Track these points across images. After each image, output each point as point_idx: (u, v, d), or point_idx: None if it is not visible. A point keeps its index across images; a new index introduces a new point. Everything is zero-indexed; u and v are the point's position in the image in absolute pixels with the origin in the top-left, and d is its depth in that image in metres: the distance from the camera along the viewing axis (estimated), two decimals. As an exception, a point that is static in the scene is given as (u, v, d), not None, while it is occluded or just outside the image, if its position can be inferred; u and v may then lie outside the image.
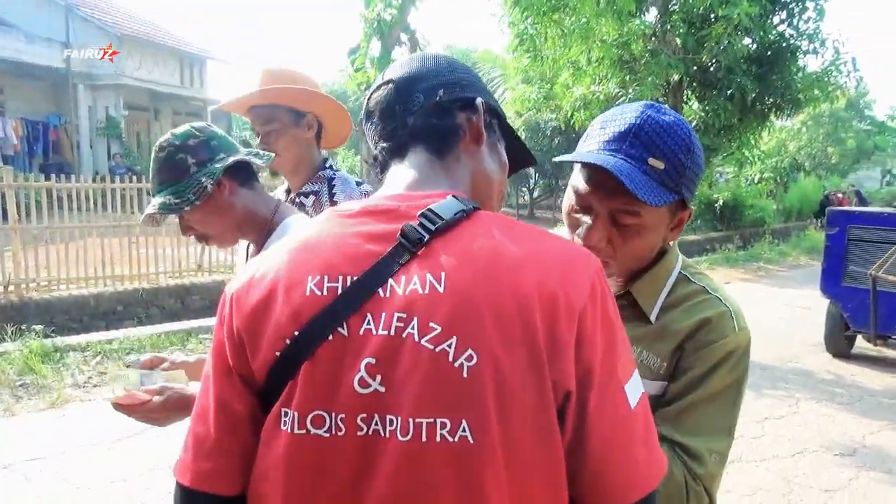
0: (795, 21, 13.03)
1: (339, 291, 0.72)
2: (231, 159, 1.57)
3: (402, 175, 0.86)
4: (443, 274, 0.72)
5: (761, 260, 13.77)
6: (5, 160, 15.88)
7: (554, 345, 0.70)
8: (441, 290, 0.71)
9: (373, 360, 0.70)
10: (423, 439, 0.68)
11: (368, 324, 0.71)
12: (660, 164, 1.05)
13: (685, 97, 14.46)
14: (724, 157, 15.41)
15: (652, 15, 12.83)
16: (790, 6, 12.91)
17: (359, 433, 0.69)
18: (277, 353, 0.72)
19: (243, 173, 1.61)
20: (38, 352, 5.31)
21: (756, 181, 19.96)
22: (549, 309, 0.71)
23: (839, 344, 6.55)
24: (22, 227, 6.87)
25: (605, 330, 0.73)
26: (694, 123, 13.50)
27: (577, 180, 1.12)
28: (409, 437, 0.68)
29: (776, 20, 13.13)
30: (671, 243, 1.21)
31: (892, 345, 6.53)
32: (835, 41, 12.91)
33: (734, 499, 3.60)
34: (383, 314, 0.71)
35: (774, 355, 6.49)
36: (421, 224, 0.75)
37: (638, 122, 1.07)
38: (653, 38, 12.25)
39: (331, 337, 0.71)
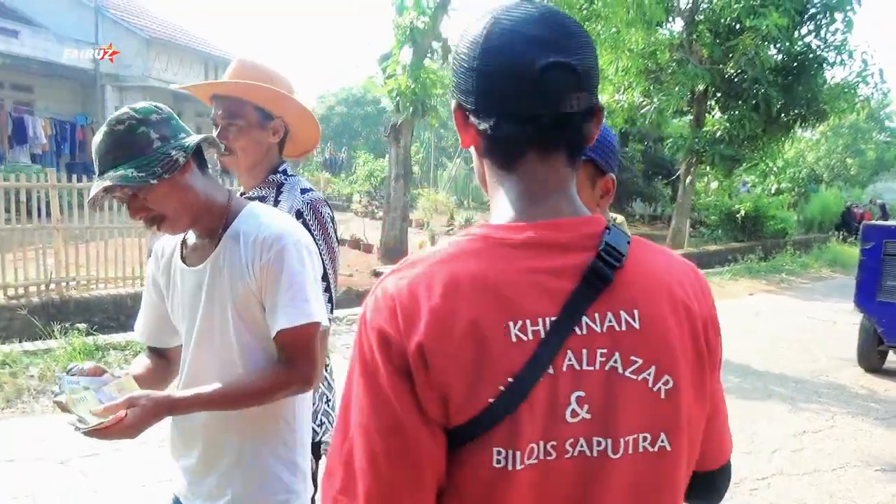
0: (823, 32, 13.03)
1: (542, 335, 0.75)
2: (197, 138, 1.52)
3: (548, 186, 0.83)
4: (636, 311, 0.78)
5: (783, 271, 13.72)
6: (33, 159, 16.16)
7: (711, 358, 0.85)
8: (637, 325, 0.78)
9: (582, 394, 0.75)
10: (630, 452, 0.77)
11: (570, 360, 0.75)
12: None
13: (709, 107, 14.52)
14: (746, 168, 15.44)
15: (679, 25, 12.89)
16: (818, 18, 12.92)
17: (570, 456, 0.75)
18: (491, 400, 0.73)
19: (200, 158, 1.55)
20: (82, 349, 5.42)
21: (773, 192, 19.89)
22: (707, 326, 0.84)
23: (872, 358, 6.54)
24: (64, 227, 7.01)
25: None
26: (718, 133, 13.54)
27: None
28: (619, 454, 0.76)
29: (804, 31, 13.13)
30: (616, 223, 1.34)
31: (925, 360, 6.53)
32: (863, 52, 12.90)
33: (779, 512, 3.63)
34: (584, 350, 0.76)
35: (806, 369, 6.50)
36: (605, 261, 0.78)
37: None
38: (679, 48, 12.31)
39: (541, 378, 0.74)
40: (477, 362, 0.74)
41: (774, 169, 16.72)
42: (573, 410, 0.75)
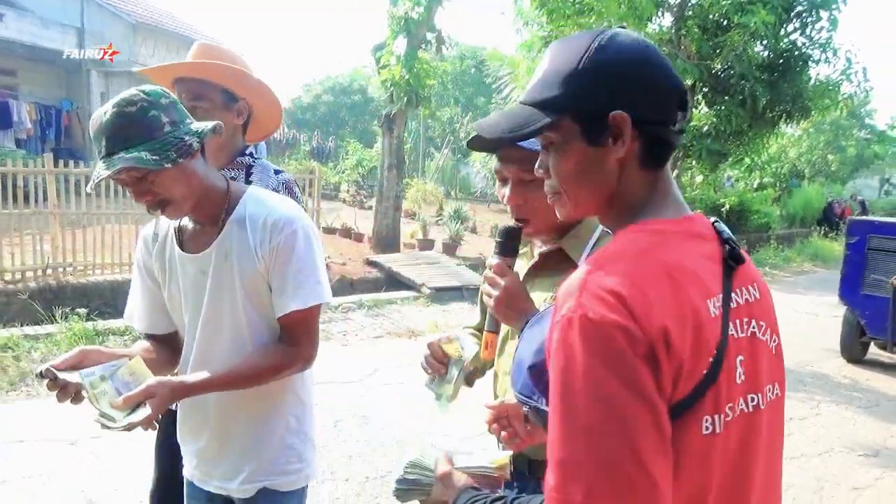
0: (809, 30, 13.19)
1: (721, 310, 0.89)
2: (209, 125, 1.52)
3: (674, 186, 1.01)
4: (755, 283, 0.99)
5: (767, 265, 13.99)
6: (18, 144, 15.96)
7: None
8: (758, 295, 0.98)
9: (742, 358, 0.91)
10: (766, 401, 0.96)
11: (733, 329, 0.91)
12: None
13: (696, 102, 14.68)
14: (732, 163, 15.65)
15: (668, 20, 13.00)
16: (804, 15, 13.08)
17: (738, 414, 0.90)
18: (705, 371, 0.84)
19: (202, 145, 1.54)
20: (82, 334, 5.45)
21: (755, 187, 20.17)
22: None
23: (854, 349, 6.75)
24: (60, 212, 6.99)
25: None
26: (705, 128, 13.70)
27: (495, 162, 1.47)
28: (764, 406, 0.95)
29: (790, 28, 13.31)
30: None
31: (904, 351, 6.75)
32: (847, 51, 13.11)
33: (769, 493, 3.78)
34: (737, 320, 0.92)
35: (790, 360, 6.65)
36: (732, 247, 0.97)
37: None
38: (668, 43, 12.43)
39: (728, 347, 0.89)
40: (697, 338, 0.84)
41: (759, 164, 16.96)
42: (739, 373, 0.90)
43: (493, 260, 1.44)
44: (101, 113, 1.43)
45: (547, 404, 0.94)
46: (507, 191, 1.45)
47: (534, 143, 1.23)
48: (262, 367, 1.58)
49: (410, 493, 1.22)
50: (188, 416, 1.72)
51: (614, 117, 0.93)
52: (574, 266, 1.41)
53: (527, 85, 1.02)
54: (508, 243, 1.45)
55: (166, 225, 1.67)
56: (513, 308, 1.39)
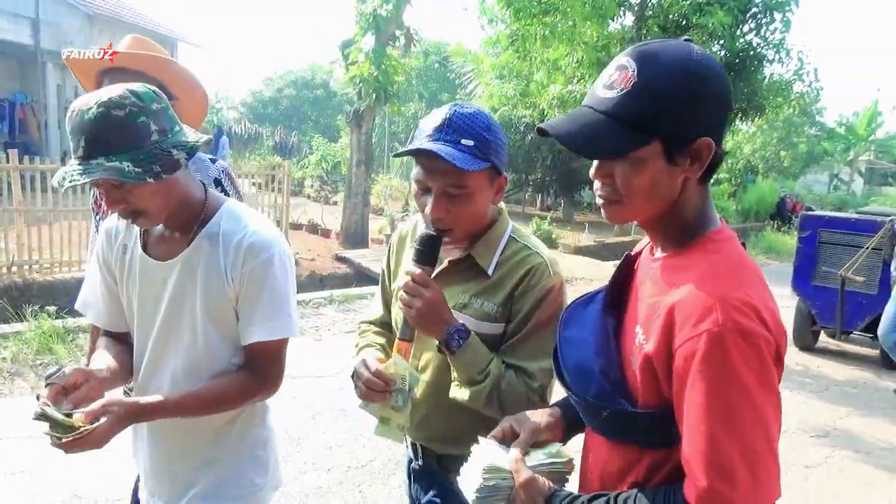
0: (763, 31, 13.66)
1: None
2: (199, 139, 1.43)
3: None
4: None
5: (723, 258, 14.44)
6: (-30, 137, 15.52)
7: None
8: None
9: None
10: None
11: None
12: (469, 142, 1.39)
13: (656, 99, 15.08)
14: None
15: (630, 20, 13.31)
16: (759, 16, 13.53)
17: None
18: (782, 350, 0.98)
19: None
20: (51, 332, 5.42)
21: (713, 182, 20.75)
22: None
23: (806, 338, 7.10)
24: (26, 209, 6.89)
25: None
26: (664, 125, 14.11)
27: (416, 171, 1.45)
28: None
29: (745, 29, 13.75)
30: (502, 213, 1.60)
31: (852, 340, 7.12)
32: (799, 52, 13.63)
33: (729, 473, 4.01)
34: None
35: (747, 347, 7.00)
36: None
37: (448, 115, 1.41)
38: (630, 42, 12.74)
39: None
40: (783, 330, 0.99)
41: (716, 160, 17.50)
42: None
43: (412, 269, 1.43)
44: (83, 107, 1.31)
45: (630, 405, 1.05)
46: (429, 201, 1.42)
47: (465, 162, 1.35)
48: (221, 396, 1.50)
49: (490, 500, 1.15)
50: (139, 433, 1.64)
51: (700, 143, 0.99)
52: (482, 273, 1.48)
53: (599, 85, 1.03)
54: (429, 252, 1.44)
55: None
56: (433, 319, 1.40)
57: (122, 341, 1.64)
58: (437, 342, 1.46)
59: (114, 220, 1.60)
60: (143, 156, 1.32)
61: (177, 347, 1.53)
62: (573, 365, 1.15)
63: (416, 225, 1.67)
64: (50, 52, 16.99)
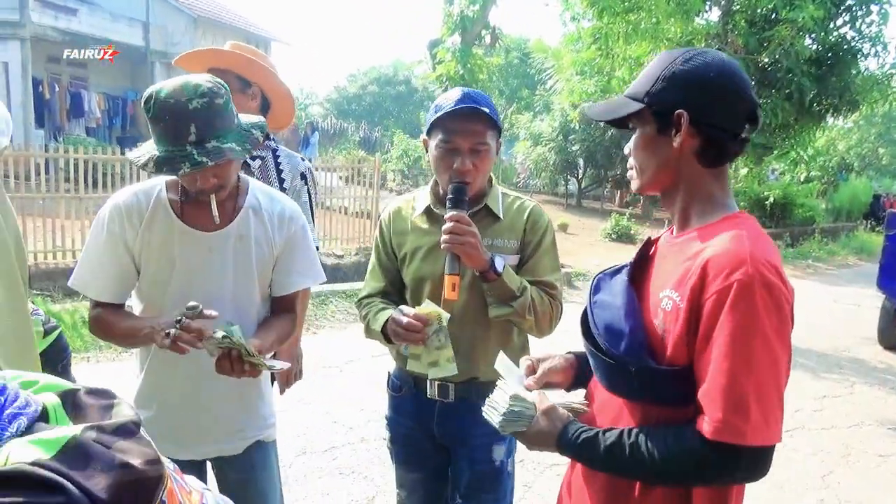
0: (858, 24, 13.19)
1: None
2: (263, 120, 1.71)
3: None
4: None
5: (810, 258, 14.08)
6: (88, 132, 16.95)
7: None
8: None
9: None
10: None
11: None
12: (486, 109, 1.72)
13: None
14: (777, 156, 15.70)
15: (715, 15, 13.14)
16: (853, 9, 13.07)
17: None
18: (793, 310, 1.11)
19: None
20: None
21: (803, 180, 20.04)
22: None
23: (891, 336, 7.01)
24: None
25: None
26: (750, 122, 13.80)
27: (441, 137, 1.74)
28: None
29: (839, 22, 13.30)
30: (491, 177, 1.90)
31: (940, 341, 6.98)
32: (897, 45, 13.06)
33: (800, 457, 4.17)
34: None
35: (829, 345, 6.98)
36: None
37: (464, 92, 1.77)
38: (716, 38, 12.60)
39: None
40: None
41: (805, 157, 16.91)
42: None
43: (453, 213, 1.69)
44: (180, 97, 1.49)
45: (656, 363, 1.14)
46: (455, 160, 1.73)
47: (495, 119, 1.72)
48: (287, 332, 1.84)
49: (513, 424, 1.28)
50: (181, 391, 1.76)
51: (677, 115, 1.16)
52: (496, 218, 1.84)
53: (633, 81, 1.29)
54: (463, 199, 1.73)
55: (152, 197, 1.70)
56: (479, 251, 1.67)
57: (113, 309, 1.73)
58: (480, 272, 1.72)
59: (132, 196, 1.70)
60: (238, 136, 1.57)
61: (225, 306, 1.68)
62: (604, 325, 1.24)
63: (416, 198, 1.96)
64: (158, 52, 18.32)
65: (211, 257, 1.69)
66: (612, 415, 1.25)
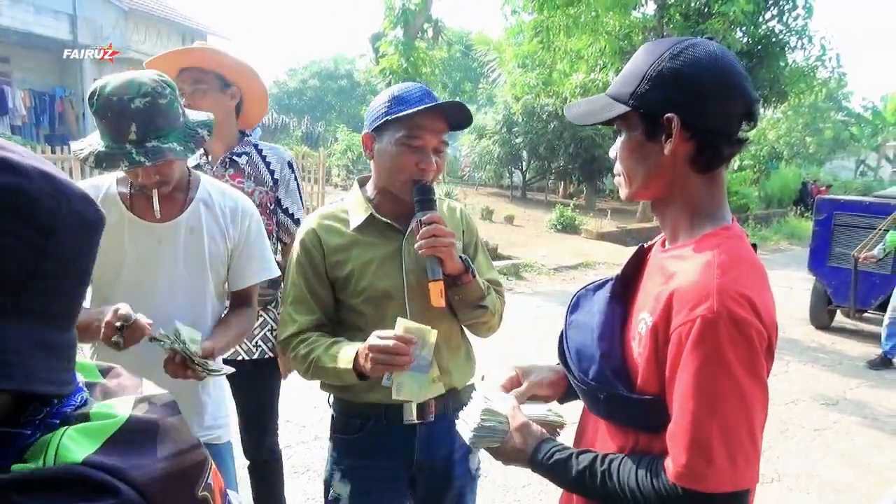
0: (785, 17, 13.76)
1: None
2: (210, 116, 1.69)
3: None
4: None
5: (745, 243, 14.62)
6: (13, 130, 16.15)
7: None
8: None
9: None
10: None
11: None
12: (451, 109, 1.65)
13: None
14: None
15: (651, 8, 13.48)
16: (781, 3, 13.62)
17: None
18: (773, 344, 1.02)
19: None
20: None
21: (736, 169, 20.78)
22: None
23: (822, 317, 7.37)
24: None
25: None
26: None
27: (413, 128, 1.59)
28: None
29: (767, 16, 13.84)
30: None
31: (867, 319, 7.38)
32: (822, 38, 13.72)
33: (741, 434, 4.34)
34: None
35: (764, 326, 7.28)
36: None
37: (423, 87, 1.68)
38: (652, 31, 12.92)
39: None
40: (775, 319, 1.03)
41: (738, 147, 17.55)
42: None
43: (429, 215, 1.59)
44: (123, 94, 1.49)
45: (626, 390, 1.08)
46: (426, 157, 1.61)
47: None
48: (245, 328, 1.84)
49: (484, 440, 1.23)
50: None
51: (668, 118, 1.05)
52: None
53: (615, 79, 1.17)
54: (432, 198, 1.64)
55: (102, 190, 1.69)
56: (455, 251, 1.60)
57: None
58: (456, 275, 1.62)
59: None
60: (182, 135, 1.57)
61: (177, 300, 1.70)
62: (575, 348, 1.18)
63: (346, 210, 1.73)
64: (87, 46, 17.59)
65: (161, 248, 1.69)
66: (599, 436, 1.20)
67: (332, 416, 1.78)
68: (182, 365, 1.52)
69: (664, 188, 1.12)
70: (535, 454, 1.16)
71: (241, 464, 3.45)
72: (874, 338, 6.88)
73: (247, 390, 2.47)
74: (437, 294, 1.57)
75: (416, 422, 1.65)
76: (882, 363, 5.98)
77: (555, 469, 1.13)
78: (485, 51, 23.71)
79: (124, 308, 1.48)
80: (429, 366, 1.54)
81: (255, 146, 2.44)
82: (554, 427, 1.27)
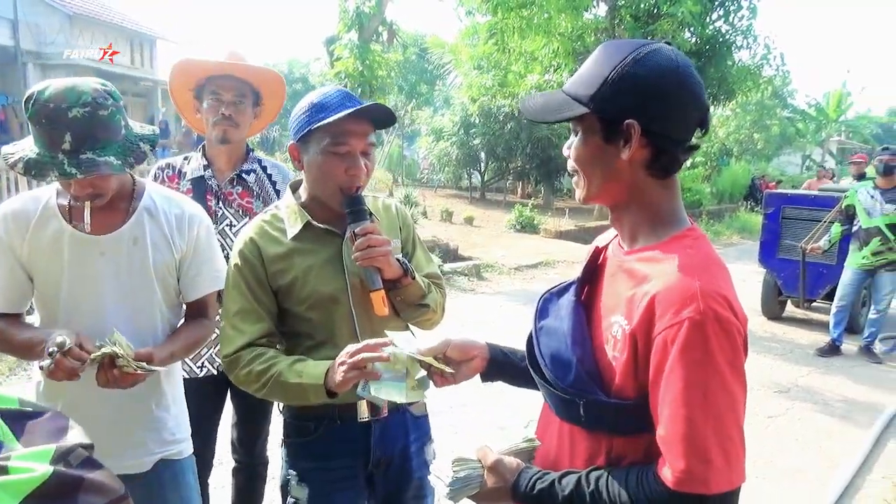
0: (731, 18, 14.15)
1: None
2: (154, 132, 1.63)
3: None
4: None
5: (699, 238, 14.97)
6: (-47, 140, 15.59)
7: None
8: None
9: None
10: None
11: None
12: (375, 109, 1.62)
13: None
14: (665, 143, 16.60)
15: (603, 10, 13.72)
16: (726, 4, 14.00)
17: None
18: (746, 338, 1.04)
19: None
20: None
21: (689, 166, 21.27)
22: None
23: (773, 307, 7.60)
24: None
25: None
26: (639, 112, 14.54)
27: (338, 135, 1.55)
28: None
29: (714, 17, 14.22)
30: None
31: (816, 308, 7.64)
32: (766, 38, 14.17)
33: (700, 425, 4.45)
34: None
35: (719, 318, 7.47)
36: None
37: (339, 88, 1.65)
38: (604, 32, 13.15)
39: None
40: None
41: (690, 144, 17.96)
42: None
43: (360, 227, 1.56)
44: (61, 103, 1.42)
45: (605, 395, 1.08)
46: (354, 163, 1.57)
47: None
48: (198, 340, 1.79)
49: (462, 491, 1.19)
50: (78, 403, 1.65)
51: (627, 125, 1.05)
52: (372, 220, 1.64)
53: (572, 76, 1.15)
54: (363, 208, 1.60)
55: (41, 202, 1.64)
56: (390, 258, 1.57)
57: (11, 319, 1.66)
58: (396, 279, 1.61)
59: (20, 204, 1.63)
60: (121, 149, 1.50)
61: (126, 313, 1.66)
62: (550, 354, 1.17)
63: (280, 218, 1.68)
64: (30, 52, 17.06)
65: (102, 261, 1.63)
66: (570, 441, 1.18)
67: (284, 420, 1.75)
68: (110, 365, 1.47)
69: (621, 192, 1.12)
70: (516, 488, 1.14)
71: (224, 469, 3.39)
72: (823, 326, 7.11)
73: (243, 393, 2.41)
74: (379, 303, 1.57)
75: (370, 419, 1.62)
76: (830, 350, 6.20)
77: (540, 499, 1.11)
78: (440, 53, 23.75)
79: (61, 337, 1.43)
80: (404, 376, 1.42)
81: (259, 161, 2.40)
82: (529, 452, 1.24)
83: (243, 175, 2.34)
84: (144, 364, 1.53)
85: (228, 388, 2.40)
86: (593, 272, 1.24)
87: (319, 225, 1.65)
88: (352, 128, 1.57)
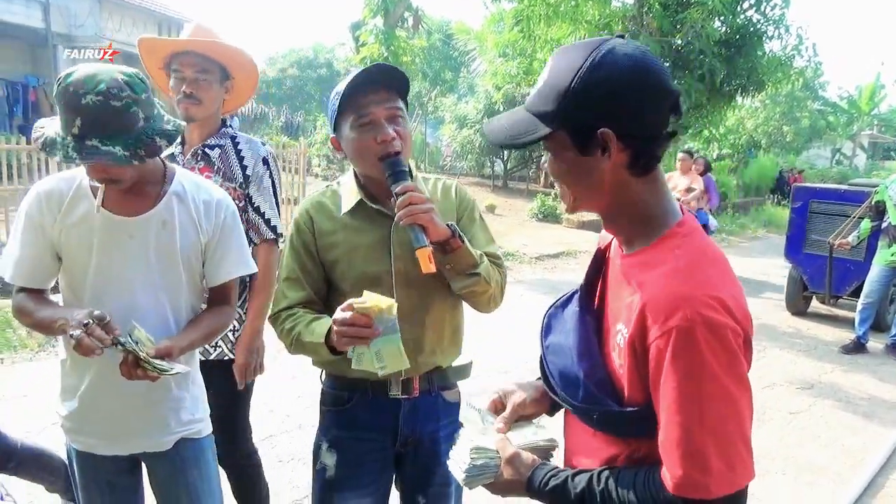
0: (763, 7, 13.86)
1: None
2: (177, 128, 1.60)
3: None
4: None
5: (723, 232, 14.78)
6: (-15, 121, 15.86)
7: None
8: None
9: None
10: None
11: None
12: (388, 75, 1.63)
13: (658, 76, 15.25)
14: (692, 135, 16.38)
15: (631, -2, 13.52)
16: (759, -8, 13.71)
17: None
18: (749, 335, 1.01)
19: None
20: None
21: (715, 157, 20.97)
22: None
23: (798, 303, 7.49)
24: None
25: None
26: (666, 102, 14.34)
27: (357, 108, 1.58)
28: None
29: (745, 6, 13.94)
30: None
31: (842, 305, 7.52)
32: (798, 28, 13.85)
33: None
34: None
35: (742, 313, 7.40)
36: None
37: (368, 68, 1.63)
38: (632, 20, 12.96)
39: None
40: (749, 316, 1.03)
41: (717, 136, 17.68)
42: None
43: (401, 186, 1.55)
44: (80, 89, 1.45)
45: (616, 405, 1.07)
46: (381, 129, 1.58)
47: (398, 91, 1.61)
48: (219, 325, 1.81)
49: (477, 479, 1.21)
50: (103, 382, 1.69)
51: (602, 134, 1.01)
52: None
53: (533, 88, 1.10)
54: (403, 169, 1.59)
55: (74, 183, 1.67)
56: (438, 219, 1.55)
57: (35, 294, 1.70)
58: (442, 241, 1.58)
59: (53, 184, 1.67)
60: (132, 141, 1.49)
61: (153, 295, 1.69)
62: (558, 373, 1.17)
63: (339, 192, 1.76)
64: (60, 35, 17.24)
65: (131, 243, 1.66)
66: (590, 444, 1.18)
67: (322, 390, 1.83)
68: (134, 364, 1.50)
69: (608, 200, 1.10)
70: (531, 483, 1.15)
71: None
72: (848, 323, 7.01)
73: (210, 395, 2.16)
74: (425, 260, 1.53)
75: (400, 396, 1.71)
76: (856, 348, 6.11)
77: (553, 495, 1.13)
78: (465, 40, 23.60)
79: (99, 311, 1.47)
80: (391, 340, 1.48)
81: (233, 138, 2.36)
82: (546, 450, 1.24)
83: (206, 150, 2.31)
84: (166, 367, 1.54)
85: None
86: (599, 276, 1.23)
87: (372, 205, 1.69)
88: (369, 98, 1.60)
